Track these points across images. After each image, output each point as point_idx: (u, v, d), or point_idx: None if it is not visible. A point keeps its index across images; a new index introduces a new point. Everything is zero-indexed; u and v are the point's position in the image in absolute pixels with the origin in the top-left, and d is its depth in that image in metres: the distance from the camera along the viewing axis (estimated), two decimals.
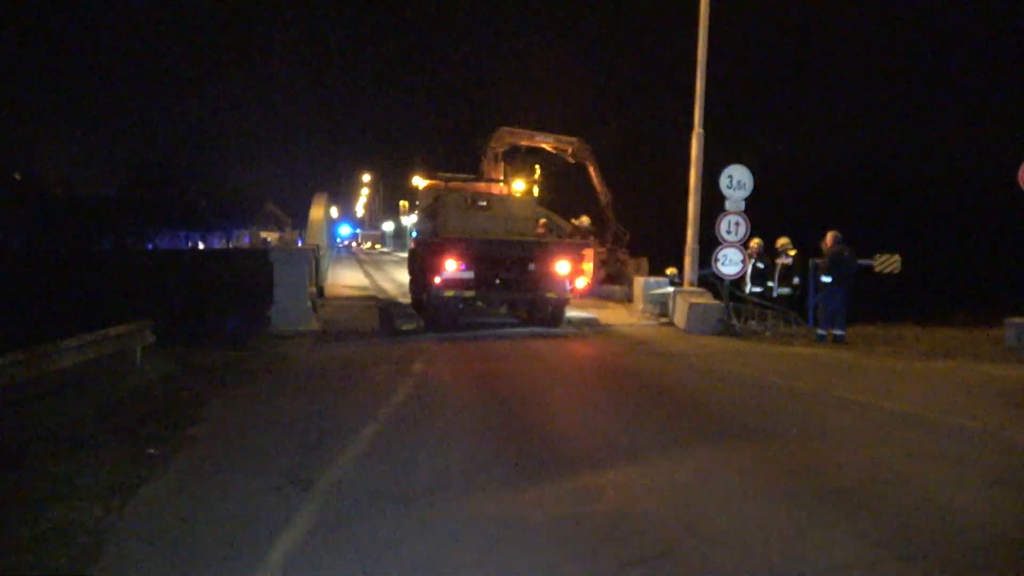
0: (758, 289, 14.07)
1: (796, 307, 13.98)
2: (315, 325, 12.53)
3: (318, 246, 18.15)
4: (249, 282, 18.64)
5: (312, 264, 14.52)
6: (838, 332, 11.99)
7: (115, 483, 4.77)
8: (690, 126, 14.60)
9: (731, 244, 13.39)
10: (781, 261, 14.29)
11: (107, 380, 8.13)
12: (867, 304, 14.16)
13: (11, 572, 3.59)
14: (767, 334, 12.75)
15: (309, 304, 12.99)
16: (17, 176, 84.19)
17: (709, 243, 13.75)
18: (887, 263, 13.60)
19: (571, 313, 14.02)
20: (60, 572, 3.59)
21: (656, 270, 19.13)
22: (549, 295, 12.76)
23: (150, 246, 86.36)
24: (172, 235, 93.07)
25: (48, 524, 4.11)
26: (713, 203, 14.01)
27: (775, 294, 14.10)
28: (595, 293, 18.28)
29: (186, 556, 3.78)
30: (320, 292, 18.43)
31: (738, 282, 13.85)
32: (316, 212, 23.12)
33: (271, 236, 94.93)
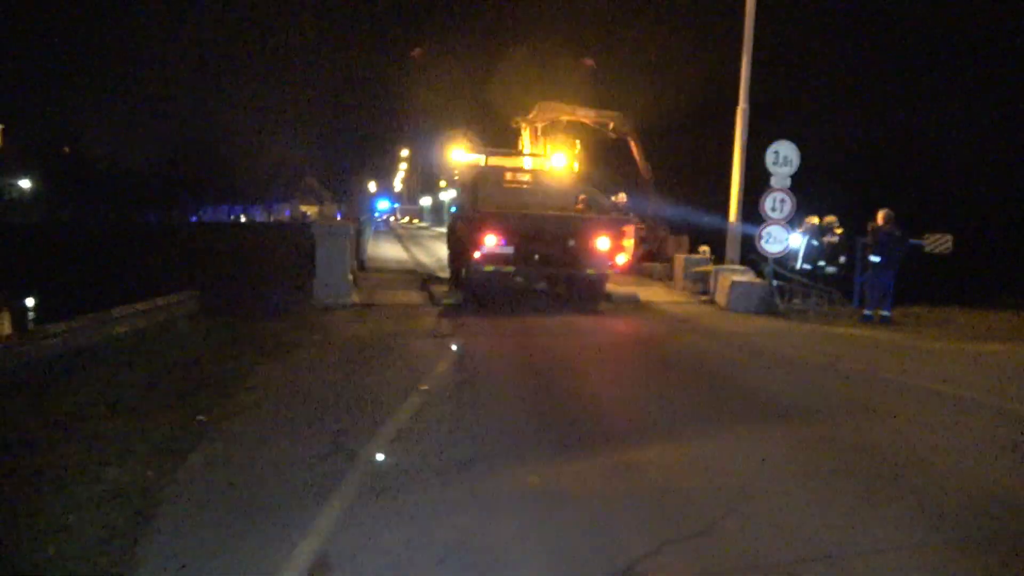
0: (807, 267, 13.81)
1: (842, 286, 13.71)
2: (356, 298, 12.66)
3: (359, 220, 18.31)
4: (291, 255, 18.88)
5: (353, 238, 14.66)
6: (885, 312, 11.75)
7: (167, 448, 4.91)
8: (735, 101, 14.33)
9: (776, 221, 13.16)
10: (827, 239, 14.00)
11: (157, 348, 8.35)
12: (915, 285, 13.82)
13: (73, 528, 3.73)
14: (811, 313, 12.55)
15: (350, 277, 13.13)
16: (66, 150, 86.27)
17: (755, 221, 13.52)
18: (938, 243, 13.24)
19: (611, 289, 13.93)
20: (117, 531, 3.72)
21: (697, 248, 18.90)
22: (589, 271, 12.68)
23: (194, 219, 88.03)
24: (215, 208, 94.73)
25: (105, 486, 4.25)
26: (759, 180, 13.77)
27: (820, 273, 13.84)
28: (635, 270, 18.14)
29: (235, 521, 3.88)
30: (361, 265, 18.63)
31: (783, 259, 13.61)
32: (357, 186, 23.26)
33: (310, 210, 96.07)
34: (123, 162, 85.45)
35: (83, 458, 4.68)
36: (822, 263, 13.87)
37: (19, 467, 4.52)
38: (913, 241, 12.53)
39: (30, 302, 27.12)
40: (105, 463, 4.59)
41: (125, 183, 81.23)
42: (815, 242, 13.84)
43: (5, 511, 3.92)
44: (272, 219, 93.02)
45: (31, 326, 18.09)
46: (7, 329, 19.70)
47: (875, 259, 11.77)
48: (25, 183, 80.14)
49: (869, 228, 12.14)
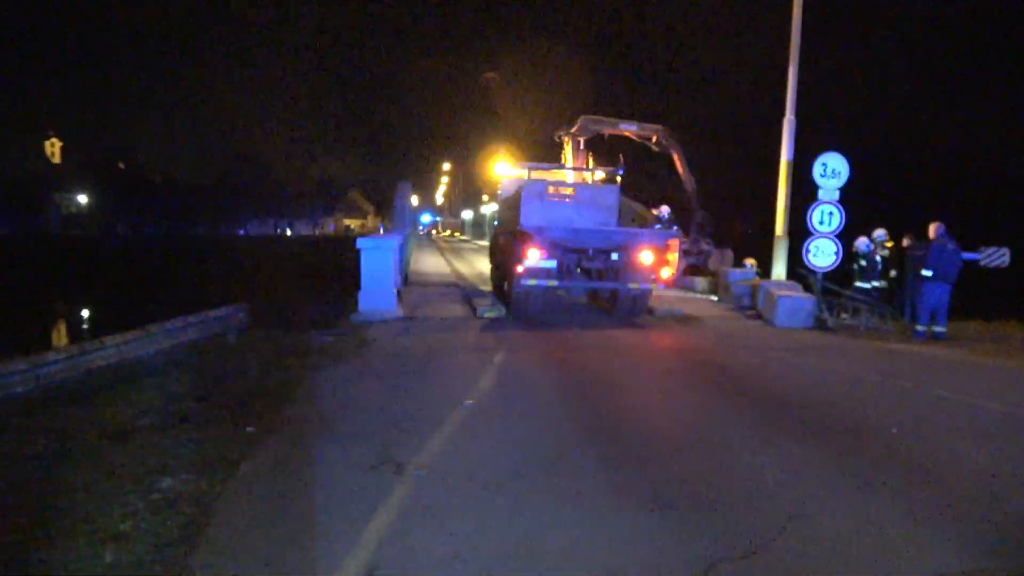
0: (867, 285, 13.57)
1: (892, 301, 13.40)
2: (400, 311, 12.77)
3: (402, 233, 18.49)
4: (336, 268, 19.17)
5: (397, 251, 14.81)
6: (938, 329, 11.42)
7: (217, 459, 5.00)
8: (781, 112, 14.15)
9: (823, 235, 12.92)
10: (877, 253, 13.73)
11: (207, 360, 8.53)
12: (970, 300, 13.41)
13: (129, 537, 3.82)
14: (862, 329, 12.26)
15: (394, 290, 13.25)
16: (121, 165, 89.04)
17: (801, 234, 13.29)
18: (993, 256, 12.84)
19: (654, 304, 13.83)
20: (171, 540, 3.80)
21: (742, 261, 18.68)
22: (632, 285, 12.60)
23: (242, 232, 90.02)
24: (262, 222, 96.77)
25: (159, 495, 4.35)
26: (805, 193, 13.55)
27: (869, 287, 13.57)
28: (679, 284, 17.98)
29: (285, 531, 3.93)
30: (404, 279, 18.80)
31: (868, 274, 13.47)
32: (399, 200, 23.54)
33: (355, 223, 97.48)
34: (175, 177, 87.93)
35: (137, 468, 4.79)
36: (875, 283, 13.68)
37: (76, 476, 4.64)
38: (967, 255, 12.17)
39: (85, 313, 28.01)
40: (159, 473, 4.69)
41: (176, 197, 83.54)
42: (877, 257, 13.62)
43: (64, 519, 4.03)
44: (317, 232, 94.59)
45: (87, 337, 18.63)
46: (63, 340, 20.35)
47: (927, 273, 11.46)
48: (82, 198, 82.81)
49: (905, 243, 11.85)
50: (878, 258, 13.66)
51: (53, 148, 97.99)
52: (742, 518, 4.15)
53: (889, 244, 13.66)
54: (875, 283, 13.60)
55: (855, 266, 13.74)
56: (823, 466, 5.07)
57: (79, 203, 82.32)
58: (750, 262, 16.82)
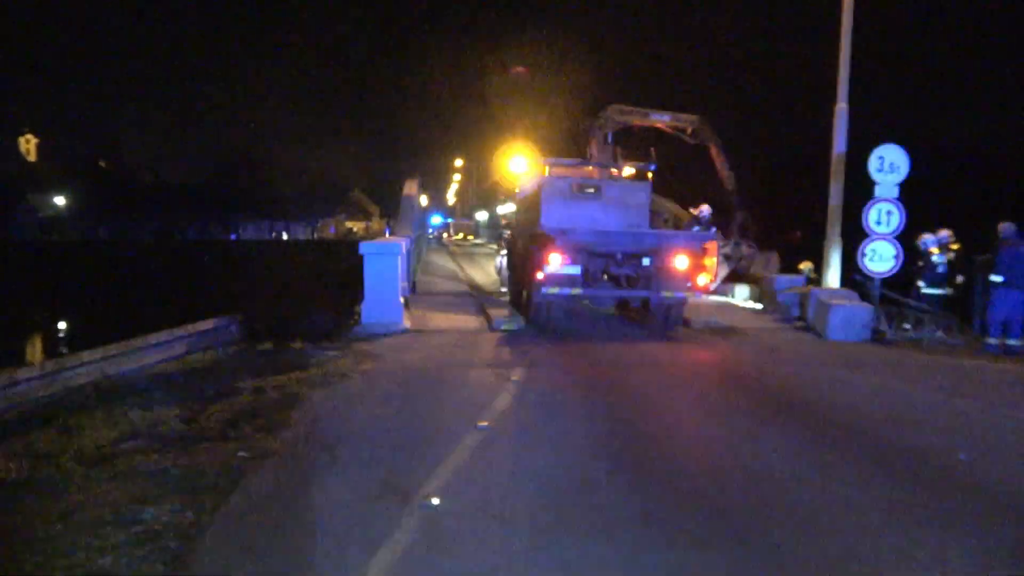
0: (935, 291, 13.43)
1: (959, 311, 13.23)
2: (407, 323, 12.81)
3: (410, 237, 18.57)
4: (336, 275, 19.27)
5: (404, 257, 14.86)
6: (1012, 342, 11.26)
7: (206, 487, 5.01)
8: (831, 100, 14.05)
9: (881, 237, 12.80)
10: (943, 255, 13.57)
11: (196, 377, 8.59)
12: None
13: (111, 571, 3.83)
14: (924, 342, 12.12)
15: (401, 300, 13.29)
16: (102, 164, 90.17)
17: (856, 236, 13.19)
18: None
19: (691, 315, 13.75)
20: None
21: (788, 267, 18.55)
22: (666, 294, 12.54)
23: (234, 236, 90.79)
24: (256, 225, 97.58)
25: (141, 526, 4.36)
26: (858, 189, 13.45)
27: (931, 294, 13.43)
28: (718, 292, 17.88)
29: (279, 567, 3.93)
30: (412, 287, 18.86)
31: (890, 280, 13.30)
32: (407, 200, 23.64)
33: (357, 226, 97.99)
34: (162, 177, 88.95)
35: (118, 497, 4.81)
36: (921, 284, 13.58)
37: (51, 506, 4.67)
38: None
39: (62, 325, 28.34)
40: (141, 502, 4.71)
41: (164, 199, 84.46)
42: (943, 258, 13.50)
43: (37, 553, 4.05)
44: (316, 236, 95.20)
45: (64, 351, 18.83)
46: (38, 355, 20.58)
47: (997, 279, 11.33)
48: (60, 200, 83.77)
49: (952, 251, 11.73)
50: (940, 259, 13.48)
51: (28, 145, 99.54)
52: (790, 556, 4.09)
53: (955, 247, 13.50)
54: (937, 290, 13.46)
55: (919, 264, 13.59)
56: (882, 498, 4.99)
57: (56, 205, 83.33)
58: (806, 266, 16.68)
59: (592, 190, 13.61)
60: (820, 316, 13.06)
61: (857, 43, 13.88)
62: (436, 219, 79.87)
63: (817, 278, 16.15)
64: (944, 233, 13.67)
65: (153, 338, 9.68)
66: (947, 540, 4.33)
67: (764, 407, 7.79)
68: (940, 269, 13.44)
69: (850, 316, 12.65)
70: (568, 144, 21.52)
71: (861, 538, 4.33)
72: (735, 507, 4.79)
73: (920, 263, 13.63)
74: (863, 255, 12.85)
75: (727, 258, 19.81)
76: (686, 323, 13.55)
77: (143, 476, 5.20)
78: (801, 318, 14.11)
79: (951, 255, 13.52)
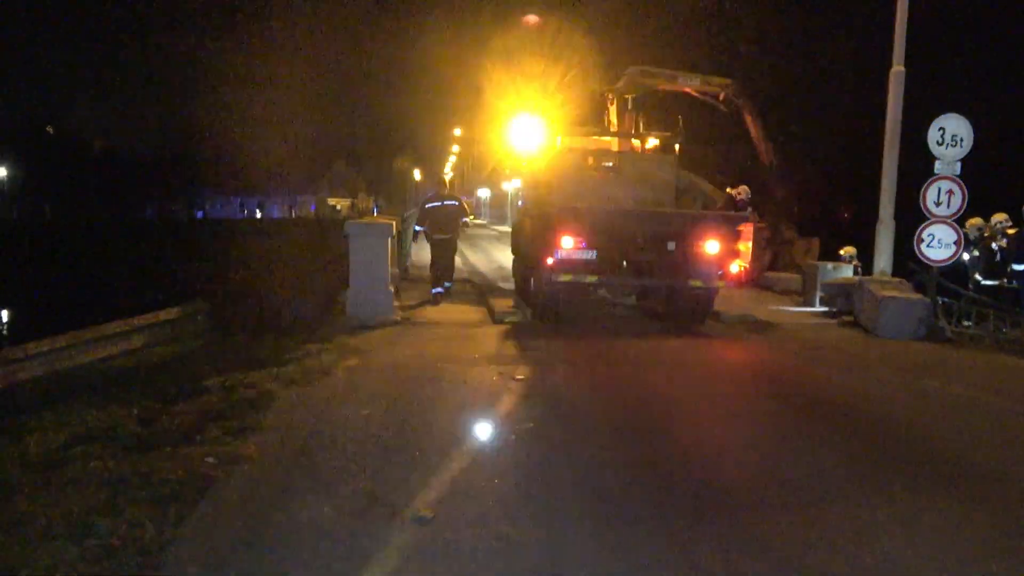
0: (993, 283, 13.43)
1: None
2: (398, 314, 12.84)
3: (401, 217, 18.59)
4: (319, 259, 19.30)
5: (394, 239, 14.87)
6: None
7: (169, 496, 5.05)
8: (886, 63, 13.99)
9: (941, 220, 12.76)
10: (997, 243, 13.57)
11: (158, 373, 8.63)
12: None
13: None
14: (988, 340, 12.12)
15: (391, 287, 13.32)
16: (49, 130, 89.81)
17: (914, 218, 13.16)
18: None
19: (722, 307, 13.75)
20: None
21: (830, 253, 18.50)
22: (693, 283, 12.52)
23: (200, 214, 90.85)
24: (225, 201, 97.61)
25: (96, 541, 4.40)
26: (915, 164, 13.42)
27: (990, 285, 13.47)
28: (753, 281, 17.87)
29: None
30: (405, 272, 18.89)
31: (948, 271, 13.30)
32: (399, 175, 23.62)
33: (341, 203, 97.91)
34: (116, 146, 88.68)
35: (70, 507, 4.84)
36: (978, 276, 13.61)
37: None
38: None
39: (3, 314, 28.44)
40: (96, 514, 4.75)
41: (118, 171, 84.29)
42: (994, 246, 13.49)
43: None
44: (294, 214, 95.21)
45: (6, 344, 18.92)
46: None
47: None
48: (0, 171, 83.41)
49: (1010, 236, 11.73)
50: (994, 247, 13.51)
51: None
52: None
53: (1012, 231, 13.47)
54: (995, 281, 13.50)
55: (974, 253, 13.63)
56: (938, 519, 5.00)
57: None
58: (847, 251, 16.65)
59: (610, 164, 13.59)
60: (869, 309, 13.05)
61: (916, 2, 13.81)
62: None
63: (860, 265, 16.16)
64: (1000, 217, 13.66)
65: (108, 328, 9.71)
66: None
67: (805, 416, 7.78)
68: (998, 257, 13.46)
69: (903, 310, 12.63)
70: (583, 111, 21.39)
71: (915, 567, 4.34)
72: (775, 535, 4.79)
73: (975, 252, 13.63)
74: (920, 240, 12.80)
75: (766, 242, 19.79)
76: (716, 317, 13.56)
77: (98, 484, 5.24)
78: (847, 311, 14.11)
79: (1003, 242, 13.52)
